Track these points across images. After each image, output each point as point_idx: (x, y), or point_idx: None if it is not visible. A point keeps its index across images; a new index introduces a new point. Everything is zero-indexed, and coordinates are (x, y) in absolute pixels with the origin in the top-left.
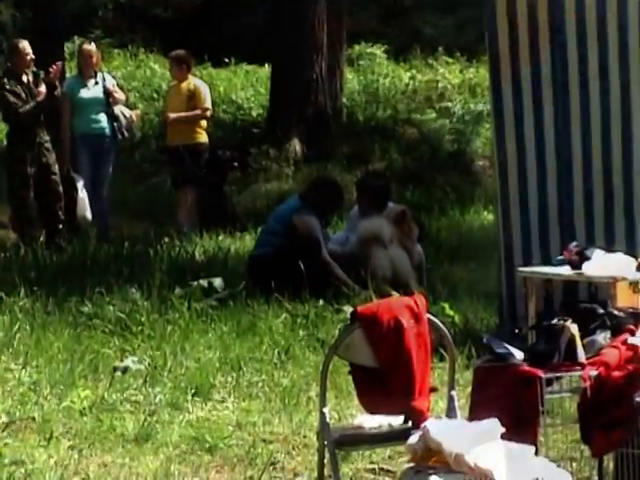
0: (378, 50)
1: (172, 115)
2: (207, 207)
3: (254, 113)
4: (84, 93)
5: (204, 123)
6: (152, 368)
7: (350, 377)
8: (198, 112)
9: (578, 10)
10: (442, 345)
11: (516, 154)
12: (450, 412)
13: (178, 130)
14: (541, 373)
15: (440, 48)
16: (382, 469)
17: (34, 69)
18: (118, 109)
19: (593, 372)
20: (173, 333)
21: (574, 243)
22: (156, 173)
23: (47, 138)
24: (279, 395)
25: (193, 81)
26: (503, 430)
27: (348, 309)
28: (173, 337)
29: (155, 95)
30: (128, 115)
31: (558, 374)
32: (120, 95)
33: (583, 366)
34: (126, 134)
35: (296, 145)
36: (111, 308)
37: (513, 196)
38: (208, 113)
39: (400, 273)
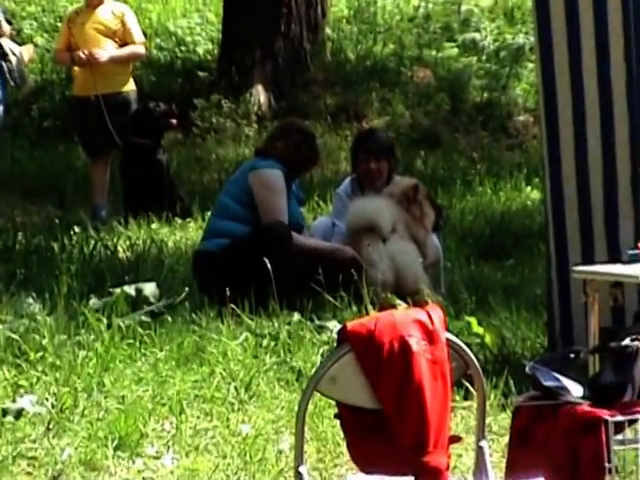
0: None
1: (99, 54)
2: (134, 182)
3: (200, 50)
4: None
5: (129, 65)
6: (57, 411)
7: (337, 422)
8: (132, 49)
9: None
10: (467, 376)
11: (571, 104)
12: (479, 471)
13: (94, 74)
14: (607, 415)
15: None
16: None
17: None
18: (7, 45)
19: None
20: (87, 361)
21: None
22: (62, 135)
23: None
24: (237, 448)
25: (114, 5)
26: None
27: (334, 326)
28: (87, 367)
29: (59, 25)
30: (18, 53)
31: (631, 416)
32: (3, 26)
33: None
34: (18, 80)
35: (260, 94)
36: None
37: (568, 165)
38: (142, 50)
39: (406, 275)
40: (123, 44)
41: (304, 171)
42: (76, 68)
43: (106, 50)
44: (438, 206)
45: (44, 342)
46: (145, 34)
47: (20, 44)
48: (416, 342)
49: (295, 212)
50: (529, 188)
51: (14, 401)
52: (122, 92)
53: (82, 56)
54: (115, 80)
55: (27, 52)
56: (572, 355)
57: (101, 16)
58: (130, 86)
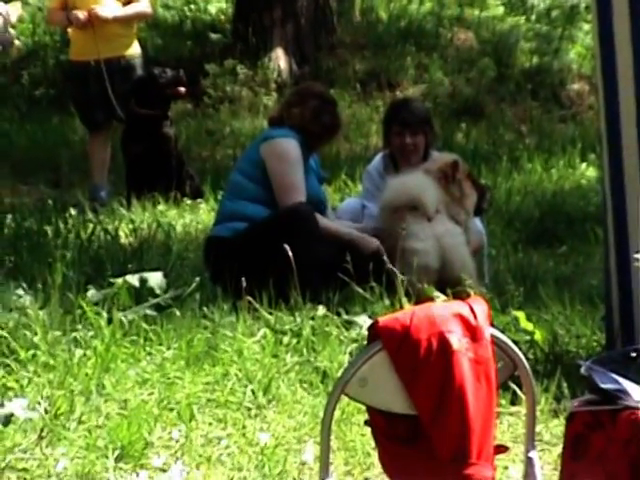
0: None
1: (103, 11)
2: (138, 159)
3: (212, 8)
4: None
5: (134, 26)
6: (51, 417)
7: (368, 430)
8: (138, 8)
9: None
10: (515, 378)
11: (633, 70)
12: None
13: (94, 36)
14: None
15: None
16: None
17: None
18: None
19: None
20: (85, 361)
21: None
22: (56, 106)
23: None
24: (254, 459)
25: None
26: None
27: (364, 321)
28: (84, 367)
29: None
30: (4, 11)
31: None
32: None
33: None
34: (4, 43)
35: (280, 59)
36: None
37: (629, 138)
38: (149, 9)
39: (453, 260)
40: (127, 2)
41: (324, 141)
42: (72, 30)
43: (108, 8)
44: (481, 186)
45: (36, 339)
46: None
47: (7, 1)
48: (457, 339)
49: (315, 188)
50: (584, 165)
51: (2, 405)
52: (125, 56)
53: (80, 16)
54: (118, 43)
55: (15, 10)
56: (633, 354)
57: None
58: (135, 50)
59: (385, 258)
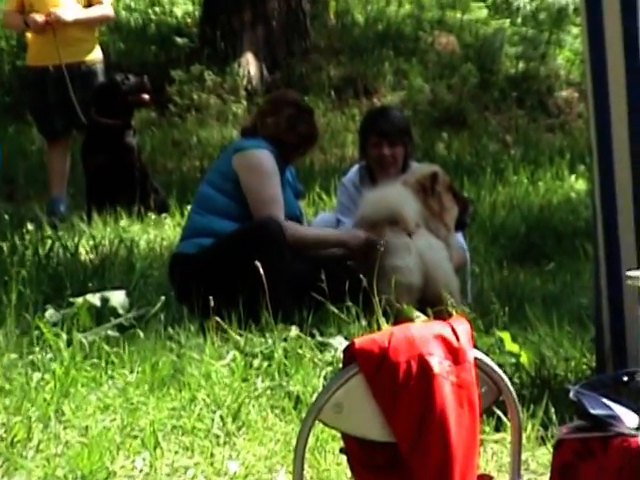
0: None
1: (63, 14)
2: (99, 171)
3: (178, 10)
4: None
5: (95, 29)
6: (7, 445)
7: (343, 458)
8: (100, 10)
9: None
10: (500, 403)
11: (625, 76)
12: None
13: (54, 40)
14: None
15: None
16: None
17: None
18: None
19: None
20: (43, 385)
21: None
22: (12, 114)
23: None
24: None
25: None
26: None
27: (340, 343)
28: (43, 392)
29: None
30: None
31: None
32: None
33: None
34: None
35: (250, 65)
36: None
37: (620, 149)
38: (111, 11)
39: (436, 276)
40: (88, 4)
41: (300, 153)
42: (30, 34)
43: (69, 11)
44: (463, 199)
45: None
46: None
47: None
48: (438, 362)
49: (291, 203)
50: (573, 177)
51: None
52: (86, 62)
53: (38, 19)
54: (79, 48)
55: None
56: (625, 378)
57: None
58: (96, 55)
59: (362, 276)
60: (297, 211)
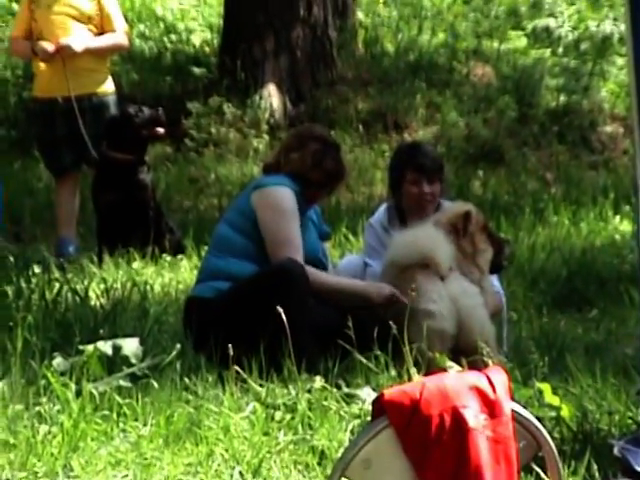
0: None
1: (73, 43)
2: (111, 209)
3: (196, 39)
4: None
5: (107, 59)
6: None
7: None
8: (113, 39)
9: None
10: (539, 459)
11: None
12: None
13: (63, 70)
14: None
15: None
16: None
17: None
18: None
19: None
20: (50, 439)
21: None
22: (18, 149)
23: None
24: None
25: None
26: None
27: (368, 394)
28: (50, 446)
29: (15, 6)
30: None
31: None
32: None
33: None
34: None
35: (272, 97)
36: None
37: None
38: (125, 40)
39: (471, 324)
40: (100, 32)
41: (326, 190)
42: (38, 62)
43: (80, 39)
44: (498, 240)
45: None
46: (126, 19)
47: None
48: (473, 415)
49: (314, 245)
50: (618, 218)
51: None
52: (98, 94)
53: (47, 48)
54: (90, 78)
55: None
56: None
57: None
58: (108, 86)
59: (391, 322)
60: (320, 253)
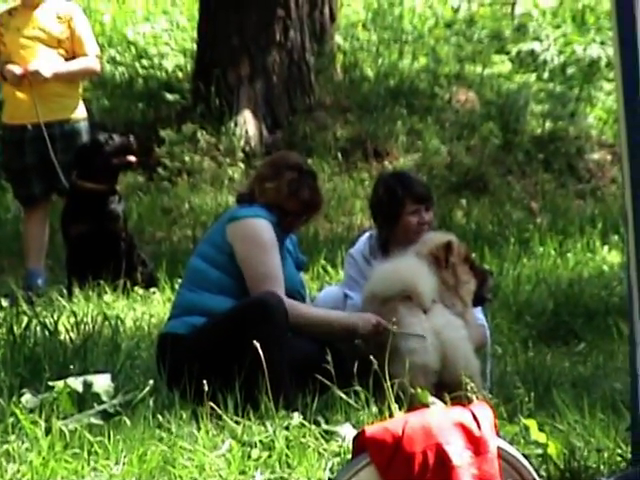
0: None
1: (41, 68)
2: (81, 241)
3: (168, 64)
4: None
5: (79, 85)
6: None
7: None
8: (84, 63)
9: None
10: None
11: None
12: None
13: (32, 96)
14: None
15: None
16: None
17: None
18: None
19: None
20: (19, 478)
21: None
22: None
23: None
24: None
25: (59, 5)
26: None
27: (347, 431)
28: None
29: None
30: None
31: None
32: None
33: None
34: None
35: (248, 124)
36: None
37: None
38: (97, 65)
39: (456, 358)
40: (71, 56)
41: (302, 220)
42: (8, 88)
43: (48, 64)
44: (481, 271)
45: None
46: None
47: None
48: (458, 453)
49: (292, 276)
50: (606, 248)
51: None
52: (69, 120)
53: (16, 71)
54: (59, 104)
55: None
56: None
57: (42, 19)
58: (79, 112)
59: (372, 357)
60: (299, 285)
